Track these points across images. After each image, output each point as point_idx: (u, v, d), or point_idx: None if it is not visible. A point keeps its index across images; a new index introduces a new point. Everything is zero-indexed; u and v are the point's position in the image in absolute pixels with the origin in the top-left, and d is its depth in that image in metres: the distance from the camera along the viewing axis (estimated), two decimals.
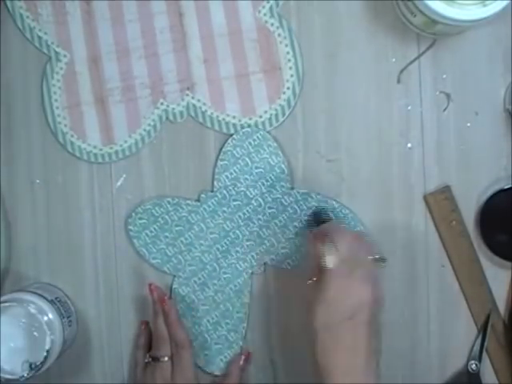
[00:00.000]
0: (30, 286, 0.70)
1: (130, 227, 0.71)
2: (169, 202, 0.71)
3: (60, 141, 0.72)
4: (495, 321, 0.69)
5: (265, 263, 0.71)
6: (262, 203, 0.70)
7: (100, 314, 0.72)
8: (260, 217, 0.70)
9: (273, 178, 0.70)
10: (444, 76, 0.69)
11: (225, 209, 0.70)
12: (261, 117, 0.70)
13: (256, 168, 0.70)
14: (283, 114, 0.70)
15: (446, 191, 0.69)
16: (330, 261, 0.59)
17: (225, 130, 0.70)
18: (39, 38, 0.71)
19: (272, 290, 0.71)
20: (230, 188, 0.70)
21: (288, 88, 0.70)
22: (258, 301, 0.71)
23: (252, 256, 0.71)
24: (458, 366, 0.70)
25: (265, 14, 0.69)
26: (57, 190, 0.72)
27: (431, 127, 0.69)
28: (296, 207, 0.70)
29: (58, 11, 0.71)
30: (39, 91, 0.71)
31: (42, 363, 0.65)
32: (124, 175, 0.72)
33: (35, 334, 0.65)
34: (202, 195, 0.70)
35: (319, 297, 0.59)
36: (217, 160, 0.70)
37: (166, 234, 0.71)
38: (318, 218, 0.68)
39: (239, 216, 0.70)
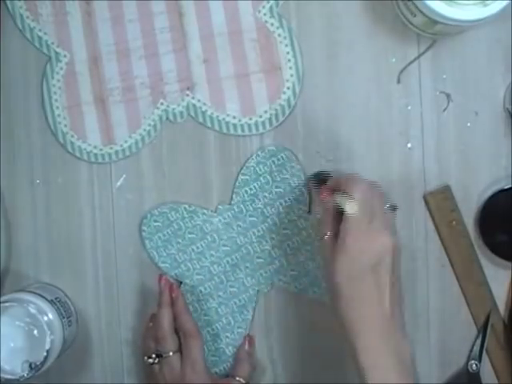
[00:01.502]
0: (30, 286, 0.70)
1: (144, 228, 0.71)
2: (185, 209, 0.70)
3: (60, 141, 0.72)
4: (495, 321, 0.69)
5: (272, 283, 0.71)
6: (278, 223, 0.70)
7: (100, 314, 0.72)
8: (274, 236, 0.70)
9: (291, 199, 0.70)
10: (444, 76, 0.69)
11: (240, 223, 0.70)
12: (261, 117, 0.70)
13: (276, 187, 0.70)
14: (283, 114, 0.70)
15: (445, 191, 0.69)
16: (349, 208, 0.58)
17: (225, 130, 0.70)
18: (39, 37, 0.71)
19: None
20: (248, 203, 0.70)
21: (288, 88, 0.70)
22: (259, 302, 0.71)
23: (260, 274, 0.70)
24: (458, 365, 0.70)
25: (265, 14, 0.69)
26: (57, 190, 0.72)
27: (431, 127, 0.69)
28: (311, 231, 0.70)
29: (57, 11, 0.71)
30: (39, 91, 0.71)
31: (42, 363, 0.65)
32: (124, 175, 0.72)
33: (35, 333, 0.65)
34: (219, 206, 0.70)
35: (338, 249, 0.58)
36: (238, 174, 0.70)
37: (179, 240, 0.71)
38: (321, 179, 0.67)
39: (253, 232, 0.70)
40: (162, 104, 0.71)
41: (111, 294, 0.72)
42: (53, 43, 0.71)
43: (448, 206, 0.69)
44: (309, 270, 0.70)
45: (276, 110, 0.70)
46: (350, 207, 0.58)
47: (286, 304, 0.71)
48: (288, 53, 0.70)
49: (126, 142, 0.71)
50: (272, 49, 0.70)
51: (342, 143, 0.70)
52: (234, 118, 0.70)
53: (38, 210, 0.72)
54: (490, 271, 0.70)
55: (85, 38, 0.71)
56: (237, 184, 0.70)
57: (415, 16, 0.64)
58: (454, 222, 0.69)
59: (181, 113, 0.71)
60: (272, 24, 0.69)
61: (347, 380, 0.70)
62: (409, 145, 0.70)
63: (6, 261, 0.72)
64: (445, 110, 0.69)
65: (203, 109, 0.71)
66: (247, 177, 0.70)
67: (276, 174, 0.70)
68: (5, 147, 0.72)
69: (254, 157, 0.70)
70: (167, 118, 0.71)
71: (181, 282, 0.71)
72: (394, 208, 0.62)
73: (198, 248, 0.71)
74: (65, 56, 0.71)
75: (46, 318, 0.65)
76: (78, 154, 0.71)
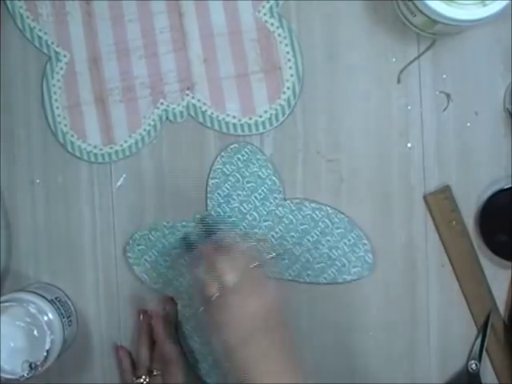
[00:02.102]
0: (30, 286, 0.70)
1: (129, 254, 0.71)
2: (165, 226, 0.70)
3: (60, 141, 0.72)
4: (495, 321, 0.69)
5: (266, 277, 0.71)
6: (257, 217, 0.70)
7: (100, 314, 0.72)
8: (256, 230, 0.70)
9: (265, 190, 0.70)
10: (444, 76, 0.69)
11: (221, 227, 0.70)
12: (261, 116, 0.70)
13: (247, 183, 0.70)
14: (283, 114, 0.70)
15: (445, 191, 0.69)
16: (213, 287, 0.59)
17: (225, 130, 0.70)
18: (39, 37, 0.71)
19: None
20: (224, 205, 0.70)
21: (288, 88, 0.70)
22: None
23: None
24: (457, 366, 0.70)
25: (265, 14, 0.69)
26: (57, 190, 0.72)
27: (431, 127, 0.69)
28: (291, 217, 0.70)
29: (58, 11, 0.71)
30: (39, 91, 0.71)
31: (42, 363, 0.65)
32: (124, 175, 0.72)
33: (35, 333, 0.65)
34: (197, 215, 0.70)
35: (223, 318, 0.59)
36: (208, 179, 0.70)
37: (166, 257, 0.71)
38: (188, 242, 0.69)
39: (236, 232, 0.70)
40: (161, 104, 0.71)
41: (111, 294, 0.72)
42: (53, 43, 0.71)
43: (448, 205, 0.69)
44: (298, 255, 0.70)
45: (276, 109, 0.70)
46: (213, 286, 0.59)
47: (286, 304, 0.71)
48: (288, 53, 0.70)
49: (125, 141, 0.71)
50: (272, 49, 0.70)
51: (342, 143, 0.70)
52: (234, 117, 0.70)
53: (37, 209, 0.72)
54: (490, 271, 0.70)
55: (85, 38, 0.71)
56: (208, 189, 0.70)
57: (415, 16, 0.64)
58: (453, 222, 0.69)
59: (181, 113, 0.71)
60: (272, 24, 0.70)
61: (347, 379, 0.70)
62: (409, 145, 0.70)
63: (5, 261, 0.72)
64: (445, 109, 0.69)
65: (203, 109, 0.71)
66: (216, 180, 0.70)
67: (244, 169, 0.70)
68: (5, 147, 0.72)
69: (218, 159, 0.70)
70: (167, 118, 0.71)
71: (175, 302, 0.71)
72: (264, 264, 0.63)
73: (186, 261, 0.70)
74: (65, 56, 0.71)
75: (46, 318, 0.65)
76: (77, 154, 0.71)
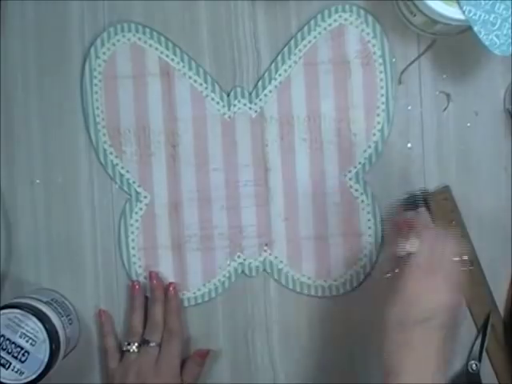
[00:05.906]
0: (25, 293, 0.70)
1: None
2: None
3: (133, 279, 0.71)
4: (495, 321, 0.69)
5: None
6: None
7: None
8: None
9: None
10: (444, 76, 0.69)
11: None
12: (335, 280, 0.70)
13: None
14: (357, 280, 0.70)
15: (445, 191, 0.69)
16: (411, 257, 0.57)
17: (298, 290, 0.70)
18: (121, 175, 0.70)
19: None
20: None
21: (365, 255, 0.69)
22: (258, 302, 0.71)
23: None
24: (458, 366, 0.70)
25: (350, 179, 0.69)
26: (57, 190, 0.72)
27: (431, 127, 0.69)
28: None
29: (142, 151, 0.70)
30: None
31: None
32: None
33: None
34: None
35: (395, 294, 0.57)
36: None
37: None
38: (410, 204, 0.66)
39: None
40: (238, 257, 0.70)
41: (111, 294, 0.72)
42: (134, 182, 0.70)
43: (448, 206, 0.69)
44: None
45: (351, 275, 0.69)
46: (411, 256, 0.57)
47: (286, 304, 0.71)
48: (369, 220, 0.69)
49: (199, 290, 0.70)
50: (354, 214, 0.69)
51: None
52: (309, 278, 0.70)
53: (37, 210, 0.72)
54: (490, 271, 0.70)
55: (167, 182, 0.70)
56: None
57: (415, 16, 0.64)
58: (453, 223, 0.69)
59: (257, 267, 0.70)
60: (356, 190, 0.69)
61: (347, 380, 0.70)
62: (409, 145, 0.70)
63: (5, 261, 0.71)
64: (445, 109, 0.69)
65: (279, 266, 0.70)
66: None
67: None
68: (5, 147, 0.72)
69: None
70: (242, 271, 0.70)
71: None
72: (469, 262, 0.61)
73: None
74: (145, 197, 0.70)
75: None
76: (149, 295, 0.70)
